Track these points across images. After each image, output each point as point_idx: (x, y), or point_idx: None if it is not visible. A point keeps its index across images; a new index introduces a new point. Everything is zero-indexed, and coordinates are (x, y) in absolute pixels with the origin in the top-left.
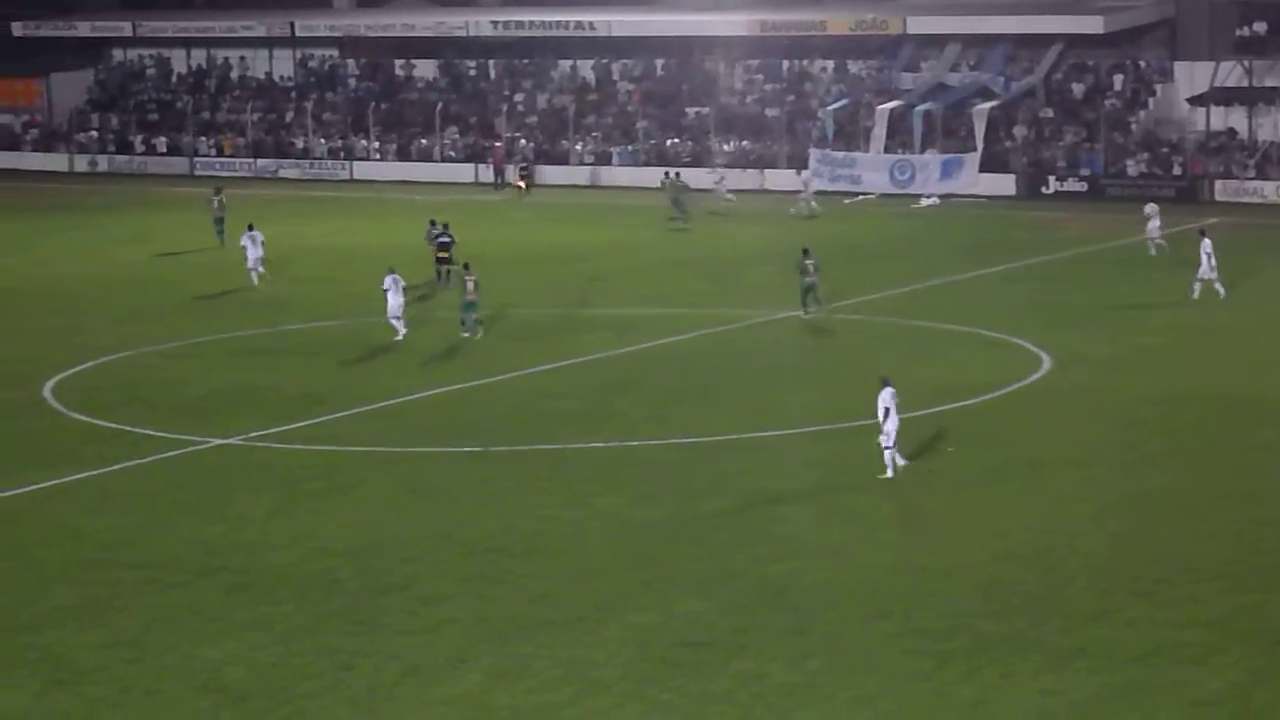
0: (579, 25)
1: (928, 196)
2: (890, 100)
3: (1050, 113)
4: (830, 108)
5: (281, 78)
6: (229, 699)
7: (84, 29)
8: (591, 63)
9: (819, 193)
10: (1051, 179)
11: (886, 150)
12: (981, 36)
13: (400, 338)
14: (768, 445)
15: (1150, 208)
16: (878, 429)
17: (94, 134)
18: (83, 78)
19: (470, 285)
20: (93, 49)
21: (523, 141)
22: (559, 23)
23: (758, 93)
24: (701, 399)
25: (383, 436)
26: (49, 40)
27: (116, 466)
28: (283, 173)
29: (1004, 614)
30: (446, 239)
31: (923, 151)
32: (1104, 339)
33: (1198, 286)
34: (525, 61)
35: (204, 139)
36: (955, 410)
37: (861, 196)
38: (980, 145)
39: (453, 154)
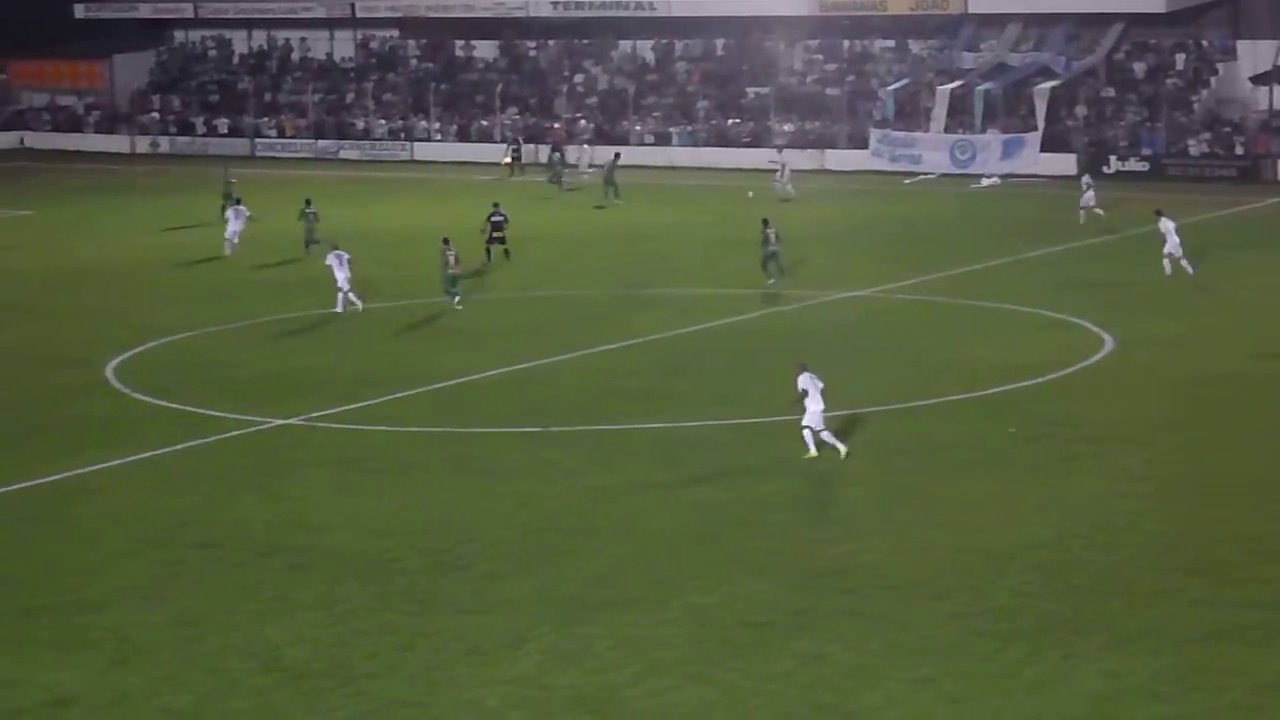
0: (639, 5)
1: (988, 176)
2: (951, 80)
3: (1111, 92)
4: (891, 88)
5: (342, 59)
6: (289, 678)
7: (145, 10)
8: (651, 43)
9: (877, 173)
10: (1113, 159)
11: (947, 130)
12: (1042, 16)
13: (354, 308)
14: (828, 425)
15: (1086, 180)
16: (801, 411)
17: (155, 115)
18: (144, 59)
19: (451, 258)
20: (154, 30)
21: (583, 122)
22: (619, 3)
23: (818, 73)
24: (762, 379)
25: (443, 417)
26: (111, 22)
27: (178, 446)
28: (343, 154)
29: (1066, 594)
30: (500, 218)
31: (983, 131)
32: (1166, 318)
33: (1167, 263)
34: (585, 42)
35: (265, 120)
36: (1016, 390)
37: (922, 176)
38: (1041, 125)
39: (511, 134)
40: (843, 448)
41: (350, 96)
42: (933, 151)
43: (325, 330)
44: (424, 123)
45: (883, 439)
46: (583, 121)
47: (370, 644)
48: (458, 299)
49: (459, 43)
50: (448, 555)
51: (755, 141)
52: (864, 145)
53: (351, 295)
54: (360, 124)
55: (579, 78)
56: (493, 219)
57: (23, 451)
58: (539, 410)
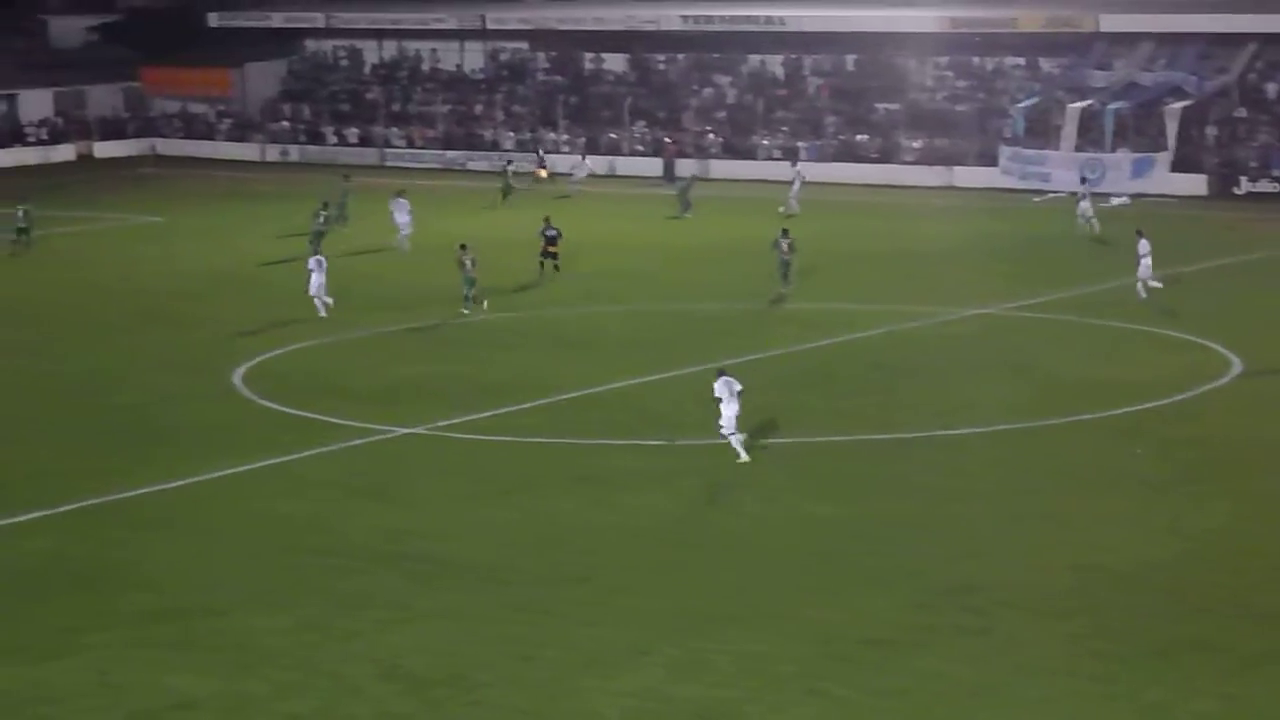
0: (768, 20)
1: (1118, 196)
2: (1081, 98)
3: (1243, 112)
4: (1021, 105)
5: (472, 70)
6: (410, 686)
7: (278, 20)
8: (780, 58)
9: (1005, 190)
10: (1243, 179)
11: (1077, 149)
12: (1174, 35)
13: (324, 315)
14: (952, 443)
15: (1083, 188)
16: (717, 416)
17: (286, 124)
18: (276, 68)
19: (468, 263)
20: (286, 40)
21: (710, 135)
22: (748, 17)
23: (947, 89)
24: (887, 395)
25: (566, 428)
26: (243, 31)
27: (304, 453)
28: (471, 165)
29: (1189, 617)
30: (553, 232)
31: (1114, 150)
32: None
33: (1140, 286)
34: (714, 56)
35: (394, 130)
36: (1142, 411)
37: (1051, 195)
38: (1172, 145)
39: (640, 148)
40: (745, 455)
41: (479, 108)
42: (1062, 170)
43: (450, 340)
44: (552, 134)
45: (1008, 457)
46: (711, 135)
47: (490, 654)
48: (469, 306)
49: (588, 55)
50: (569, 566)
51: (884, 157)
52: (993, 163)
53: (319, 300)
54: (488, 135)
55: (708, 91)
56: (546, 233)
57: (150, 456)
58: (663, 423)
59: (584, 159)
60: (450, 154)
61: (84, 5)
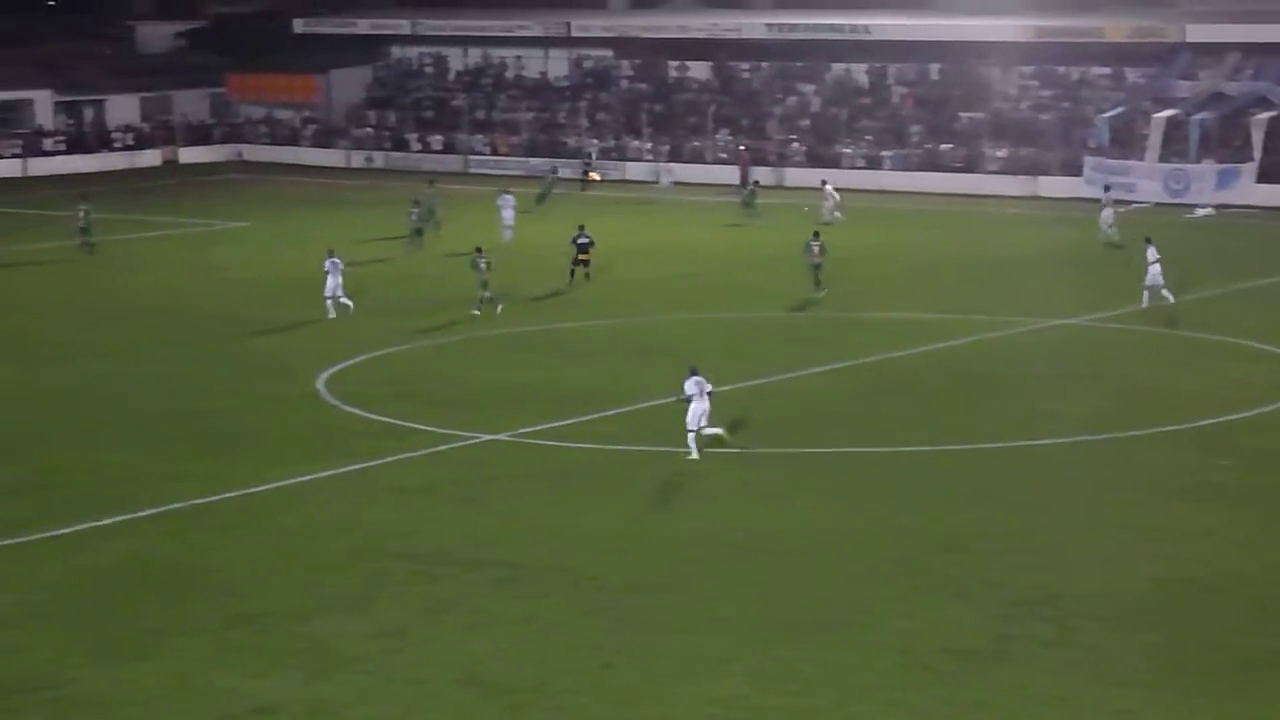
0: (853, 29)
1: (1202, 207)
2: (1166, 109)
3: None
4: (1106, 115)
5: (556, 77)
6: (491, 692)
7: (363, 26)
8: (865, 66)
9: (1092, 200)
10: None
11: (1161, 159)
12: (1260, 45)
13: (332, 317)
14: (1036, 454)
15: (1106, 195)
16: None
17: (370, 130)
18: (361, 74)
19: (484, 266)
20: (371, 46)
21: (794, 144)
22: (832, 26)
23: (1032, 99)
24: (971, 405)
25: (650, 435)
26: (329, 37)
27: (387, 459)
28: (556, 173)
29: (1273, 630)
30: (585, 240)
31: (1199, 161)
32: None
33: (1146, 294)
34: (798, 64)
35: (479, 137)
36: (1228, 423)
37: (1135, 205)
38: (1258, 155)
39: (724, 155)
40: (696, 454)
41: (563, 115)
42: (1147, 180)
43: (536, 347)
44: (636, 142)
45: (1090, 468)
46: (795, 143)
47: (572, 660)
48: (489, 304)
49: (672, 63)
50: (652, 574)
51: (968, 167)
52: (1077, 172)
53: (343, 300)
54: (572, 142)
55: (791, 100)
56: (578, 240)
57: (233, 460)
58: (747, 431)
59: (668, 166)
60: (534, 161)
61: (171, 12)
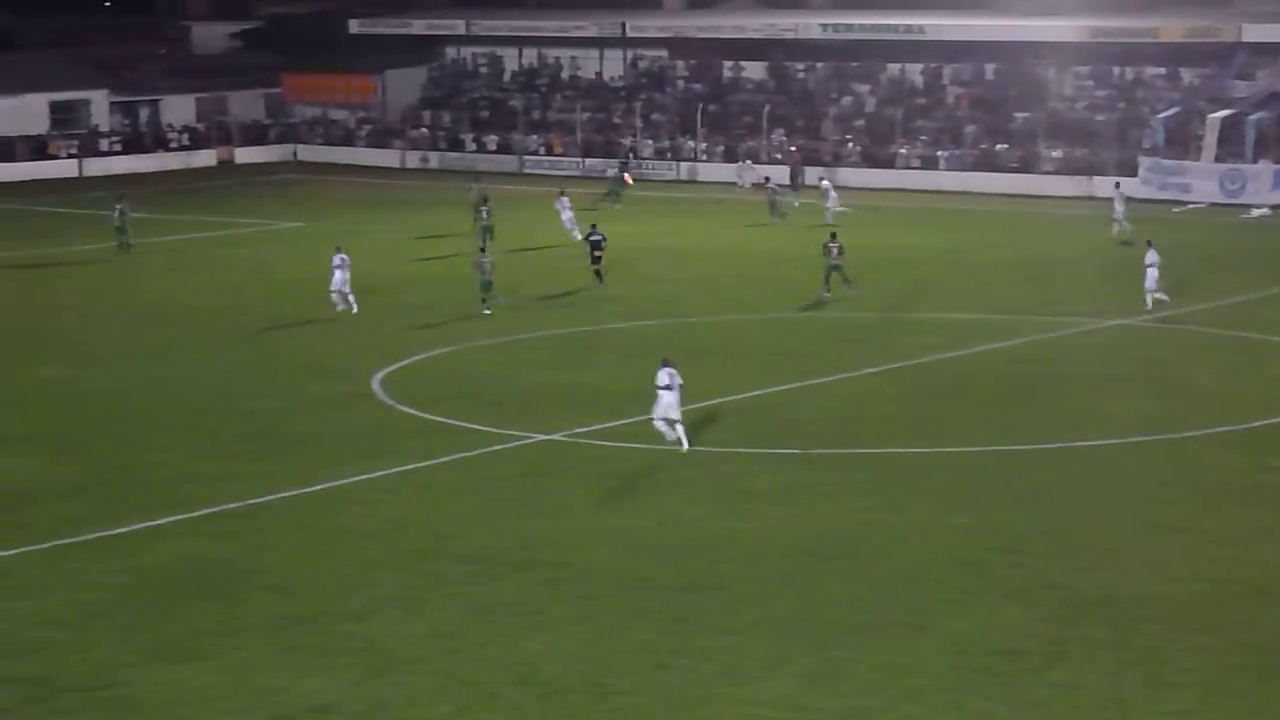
0: (908, 29)
1: (1258, 207)
2: (1222, 109)
3: None
4: (1161, 115)
5: (611, 78)
6: (545, 692)
7: (419, 27)
8: (920, 66)
9: (1145, 200)
10: None
11: (1217, 159)
12: None
13: (340, 310)
14: (1090, 455)
15: (1116, 191)
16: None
17: (425, 131)
18: (416, 75)
19: (487, 265)
20: (427, 46)
21: (849, 144)
22: (888, 26)
23: (1087, 99)
24: (1024, 406)
25: (703, 436)
26: (385, 38)
27: (441, 459)
28: (610, 172)
29: None
30: (598, 238)
31: (1255, 161)
32: None
33: (1148, 297)
34: (853, 64)
35: (534, 138)
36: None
37: (1191, 205)
38: None
39: (779, 156)
40: (673, 439)
41: (618, 116)
42: (1202, 180)
43: (588, 348)
44: (691, 142)
45: (1144, 469)
46: (850, 143)
47: (626, 661)
48: (488, 306)
49: (727, 63)
50: (704, 575)
51: (1023, 167)
52: (1132, 173)
53: (349, 298)
54: (628, 143)
55: (847, 100)
56: (591, 239)
57: (289, 460)
58: (799, 432)
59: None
60: (589, 161)
61: (226, 12)
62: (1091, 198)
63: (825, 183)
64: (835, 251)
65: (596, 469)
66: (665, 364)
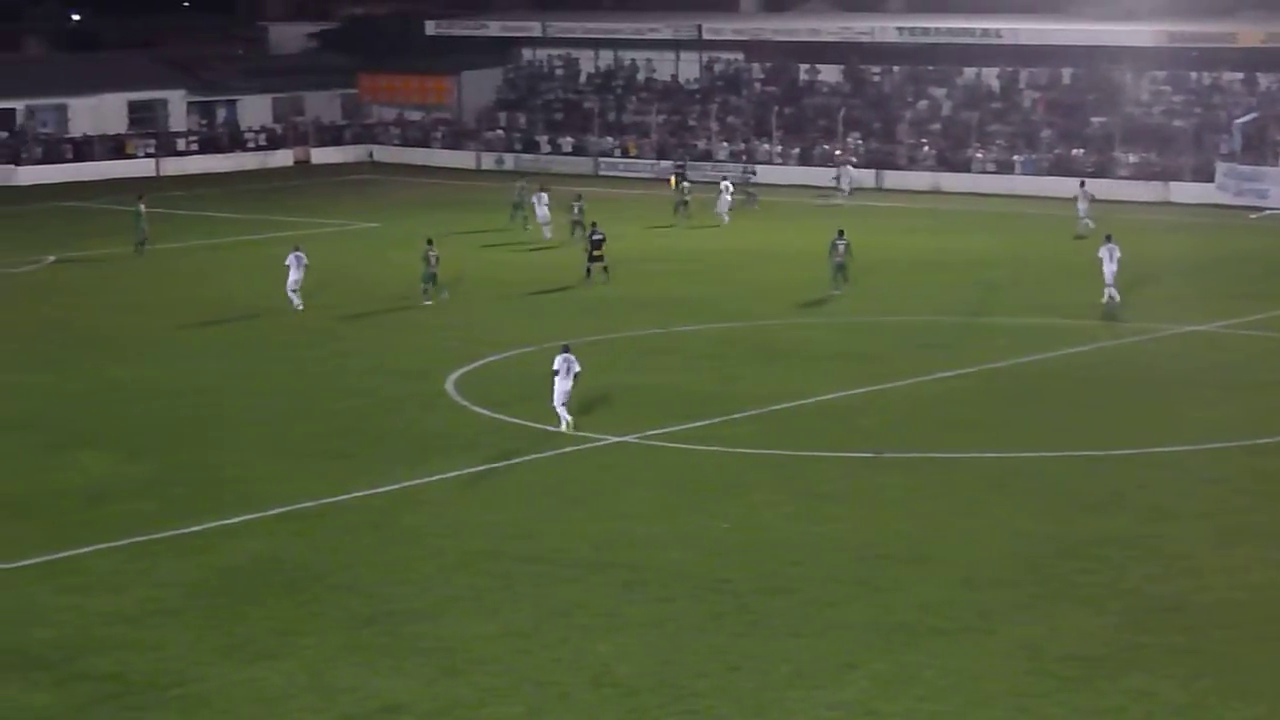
0: (984, 33)
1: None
2: None
3: None
4: (1239, 121)
5: (687, 80)
6: (618, 694)
7: (495, 29)
8: (996, 70)
9: (1221, 206)
10: None
11: None
12: None
13: (299, 309)
14: (1165, 461)
15: (1081, 190)
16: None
17: (501, 132)
18: (492, 76)
19: (432, 259)
20: (502, 48)
21: (925, 148)
22: (965, 30)
23: (1164, 104)
24: (1098, 412)
25: (776, 439)
26: (461, 39)
27: (514, 460)
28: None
29: None
30: (599, 237)
31: None
32: None
33: (1106, 293)
34: (929, 68)
35: (609, 140)
36: None
37: (1268, 211)
38: None
39: (853, 160)
40: (568, 421)
41: (693, 118)
42: (1279, 186)
43: (662, 350)
44: (766, 145)
45: (1220, 476)
46: (925, 147)
47: (698, 663)
48: (429, 296)
49: (803, 66)
50: (777, 578)
51: (1099, 172)
52: (1209, 178)
53: (294, 297)
54: (702, 145)
55: (923, 104)
56: (592, 237)
57: (363, 460)
58: (872, 435)
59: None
60: (663, 163)
61: (304, 13)
62: (1168, 203)
63: (725, 182)
64: (842, 249)
65: (670, 471)
66: (564, 350)
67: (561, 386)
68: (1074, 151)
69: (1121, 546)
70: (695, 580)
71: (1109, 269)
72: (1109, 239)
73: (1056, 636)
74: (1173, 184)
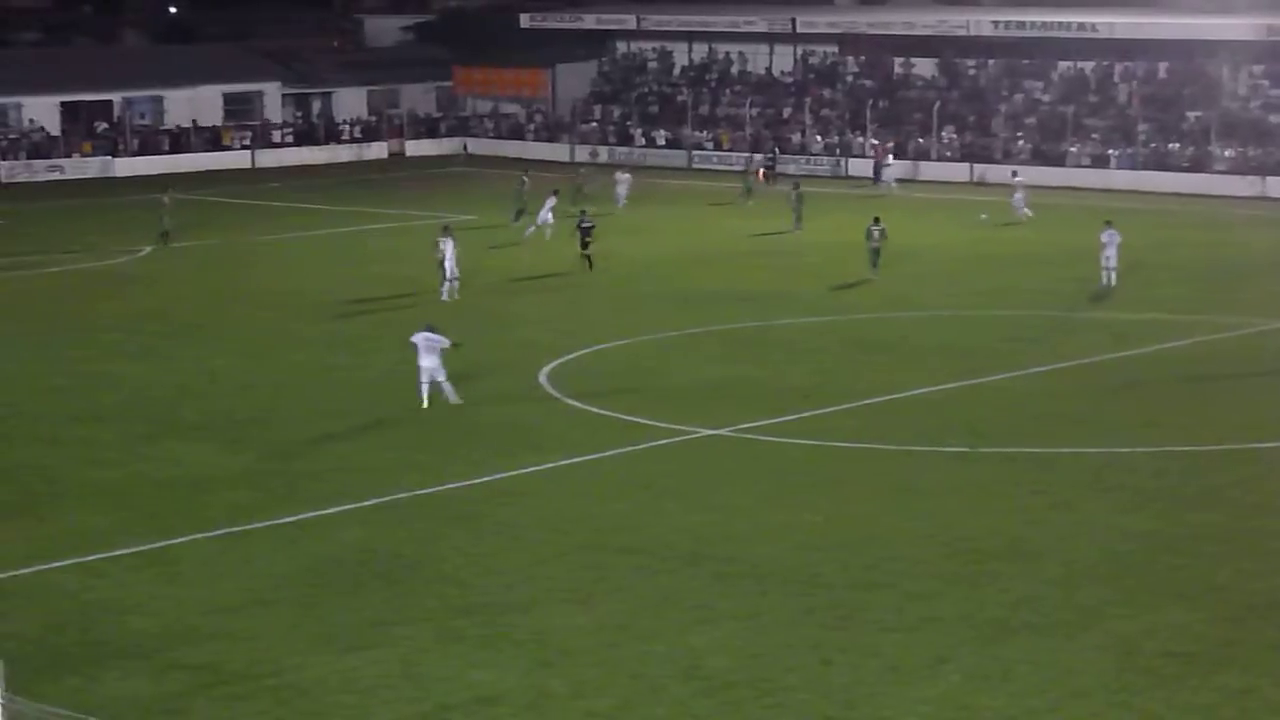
0: (1080, 26)
1: None
2: None
3: None
4: None
5: (781, 73)
6: (711, 687)
7: (589, 21)
8: (1092, 64)
9: None
10: None
11: None
12: None
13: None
14: (1262, 458)
15: (1015, 179)
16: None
17: (595, 125)
18: (587, 69)
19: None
20: (597, 41)
21: (1020, 142)
22: (1060, 24)
23: (1261, 98)
24: (1194, 407)
25: (871, 432)
26: (555, 32)
27: (608, 453)
28: (778, 168)
29: None
30: (589, 224)
31: None
32: None
33: (1104, 275)
34: (1025, 61)
35: (703, 133)
36: None
37: None
38: None
39: (948, 154)
40: (425, 402)
41: (788, 111)
42: None
43: (757, 343)
44: (860, 139)
45: None
46: (1020, 141)
47: (791, 657)
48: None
49: (898, 60)
50: (871, 571)
51: (1195, 166)
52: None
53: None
54: (797, 139)
55: (1018, 97)
56: (581, 225)
57: (457, 452)
58: (967, 429)
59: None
60: (757, 157)
61: (399, 5)
62: (1265, 198)
63: (621, 174)
64: (877, 235)
65: (764, 464)
66: (427, 328)
67: (422, 364)
68: (1170, 146)
69: (1217, 542)
70: (788, 574)
71: (1109, 253)
72: (1109, 224)
73: (1151, 632)
74: (1270, 179)
